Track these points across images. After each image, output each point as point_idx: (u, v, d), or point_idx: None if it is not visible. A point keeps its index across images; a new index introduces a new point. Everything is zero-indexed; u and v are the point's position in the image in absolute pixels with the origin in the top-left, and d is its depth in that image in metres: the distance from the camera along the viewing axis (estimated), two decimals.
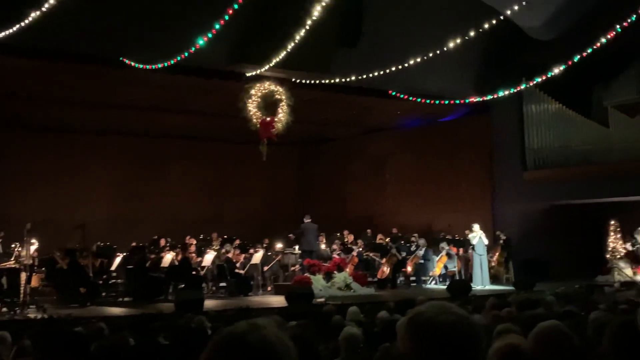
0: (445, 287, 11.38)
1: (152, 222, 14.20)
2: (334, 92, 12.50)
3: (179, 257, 11.27)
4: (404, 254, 12.98)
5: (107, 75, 10.93)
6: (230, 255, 11.83)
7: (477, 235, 12.22)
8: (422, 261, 12.94)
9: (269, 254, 12.25)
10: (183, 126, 14.86)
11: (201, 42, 9.25)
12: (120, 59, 9.86)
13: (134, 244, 12.00)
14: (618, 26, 10.13)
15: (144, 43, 9.94)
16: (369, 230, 14.42)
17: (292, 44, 9.77)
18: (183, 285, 10.70)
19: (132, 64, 9.82)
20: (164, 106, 13.13)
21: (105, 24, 9.42)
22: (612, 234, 13.27)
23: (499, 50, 12.82)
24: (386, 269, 12.61)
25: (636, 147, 12.23)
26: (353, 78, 11.49)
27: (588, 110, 13.21)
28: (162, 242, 12.42)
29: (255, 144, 11.56)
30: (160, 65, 9.58)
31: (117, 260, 11.29)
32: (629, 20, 9.96)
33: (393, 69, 11.27)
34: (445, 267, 12.97)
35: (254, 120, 11.25)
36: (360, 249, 13.09)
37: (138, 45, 9.90)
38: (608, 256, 13.13)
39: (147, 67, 9.73)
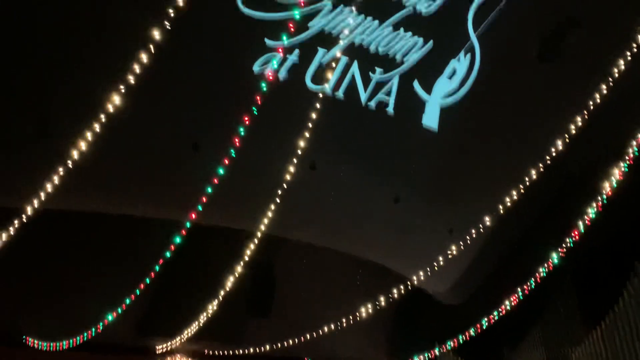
0: None
1: None
2: None
3: None
4: None
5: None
6: None
7: None
8: None
9: None
10: None
11: (110, 317, 9.00)
12: (23, 338, 9.41)
13: None
14: (519, 290, 10.61)
15: (45, 320, 9.57)
16: None
17: (204, 316, 9.66)
18: None
19: (34, 342, 9.35)
20: None
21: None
22: None
23: (409, 315, 13.03)
24: None
25: None
26: (267, 347, 11.29)
27: None
28: None
29: None
30: (65, 346, 9.16)
31: None
32: (529, 285, 10.47)
33: (307, 336, 11.20)
34: None
35: None
36: None
37: (39, 322, 9.53)
38: None
39: (51, 347, 9.28)
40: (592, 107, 8.89)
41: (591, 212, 9.59)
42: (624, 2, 8.84)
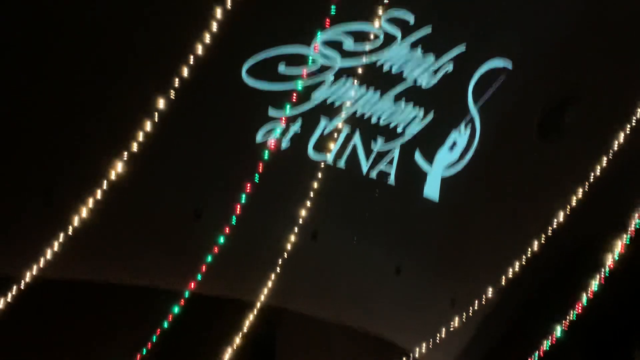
0: None
1: None
2: None
3: None
4: None
5: None
6: None
7: None
8: None
9: None
10: None
11: None
12: None
13: None
14: None
15: None
16: None
17: None
18: None
19: None
20: None
21: None
22: None
23: None
24: None
25: None
26: None
27: None
28: None
29: None
30: None
31: None
32: (532, 358, 10.31)
33: None
34: None
35: None
36: None
37: None
38: None
39: None
40: (593, 180, 8.94)
41: (594, 284, 9.55)
42: (623, 77, 9.01)
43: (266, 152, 7.65)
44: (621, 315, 12.11)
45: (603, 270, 9.56)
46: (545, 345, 10.21)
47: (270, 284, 8.46)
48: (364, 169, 8.86)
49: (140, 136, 6.68)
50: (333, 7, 7.18)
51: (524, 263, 9.50)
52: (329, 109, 8.36)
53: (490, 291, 9.53)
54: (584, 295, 9.64)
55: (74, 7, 6.87)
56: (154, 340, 8.67)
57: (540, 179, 9.63)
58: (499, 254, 9.81)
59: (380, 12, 7.49)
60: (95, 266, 8.46)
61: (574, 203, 9.10)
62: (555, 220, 9.23)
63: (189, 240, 8.40)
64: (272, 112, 8.05)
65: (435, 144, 9.19)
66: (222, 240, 7.83)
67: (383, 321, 11.02)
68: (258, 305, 8.65)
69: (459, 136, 9.19)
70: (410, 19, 8.26)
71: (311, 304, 10.36)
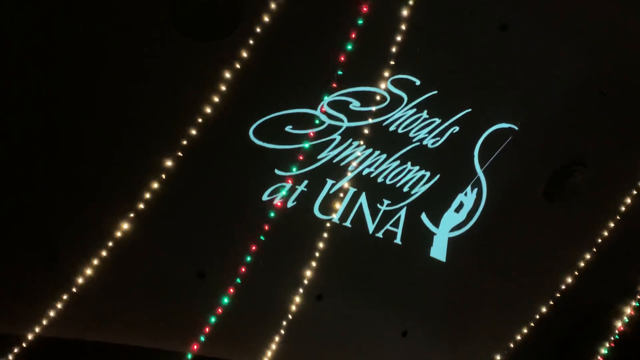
0: None
1: None
2: None
3: None
4: None
5: None
6: None
7: None
8: None
9: None
10: None
11: None
12: None
13: None
14: None
15: None
16: None
17: None
18: None
19: None
20: None
21: None
22: None
23: None
24: None
25: None
26: None
27: None
28: None
29: None
30: None
31: None
32: None
33: None
34: None
35: None
36: None
37: None
38: None
39: None
40: (600, 244, 8.88)
41: (604, 350, 9.41)
42: (629, 140, 9.03)
43: (272, 211, 7.64)
44: None
45: (613, 334, 9.42)
46: None
47: (274, 346, 8.32)
48: (370, 229, 8.82)
49: (146, 195, 6.69)
50: (339, 70, 7.29)
51: (532, 327, 9.37)
52: (336, 170, 8.37)
53: (498, 357, 9.37)
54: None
55: (79, 65, 6.95)
56: None
57: (547, 242, 9.56)
58: (506, 318, 9.68)
59: (386, 74, 7.58)
60: (95, 326, 8.35)
61: (582, 267, 9.03)
62: (564, 284, 9.14)
63: (192, 300, 8.31)
64: (278, 172, 8.07)
65: (442, 206, 9.17)
66: (225, 300, 7.74)
67: None
68: None
69: (466, 198, 9.18)
70: (417, 81, 8.34)
71: None
